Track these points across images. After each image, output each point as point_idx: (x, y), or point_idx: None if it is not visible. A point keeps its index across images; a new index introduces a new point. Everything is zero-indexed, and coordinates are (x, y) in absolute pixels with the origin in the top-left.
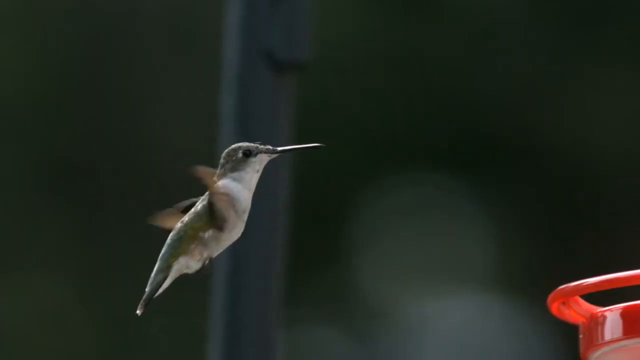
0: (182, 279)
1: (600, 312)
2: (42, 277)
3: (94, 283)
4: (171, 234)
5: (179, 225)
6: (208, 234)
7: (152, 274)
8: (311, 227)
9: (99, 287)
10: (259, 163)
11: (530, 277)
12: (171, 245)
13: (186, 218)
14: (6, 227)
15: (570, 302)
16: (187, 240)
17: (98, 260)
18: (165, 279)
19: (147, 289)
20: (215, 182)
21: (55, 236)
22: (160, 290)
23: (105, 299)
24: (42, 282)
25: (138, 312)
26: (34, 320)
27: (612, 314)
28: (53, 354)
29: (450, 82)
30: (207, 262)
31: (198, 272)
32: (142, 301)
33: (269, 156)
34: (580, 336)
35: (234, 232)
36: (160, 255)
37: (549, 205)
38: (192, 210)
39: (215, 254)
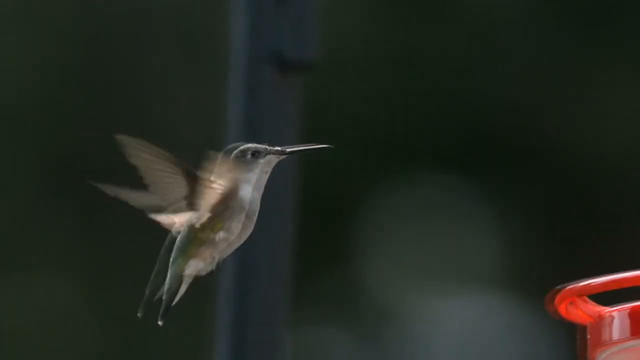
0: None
1: (607, 312)
2: (43, 277)
3: (96, 283)
4: (179, 236)
5: (186, 226)
6: (219, 235)
7: (167, 282)
8: (318, 227)
9: (101, 287)
10: (267, 164)
11: (532, 277)
12: (181, 249)
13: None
14: (7, 227)
15: (577, 302)
16: (197, 242)
17: (100, 260)
18: (180, 285)
19: (164, 297)
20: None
21: (56, 236)
22: (177, 298)
23: (108, 299)
24: (43, 282)
25: (159, 322)
26: (35, 321)
27: (619, 314)
28: (54, 354)
29: (450, 82)
30: (218, 263)
31: (207, 273)
32: (161, 311)
33: (278, 157)
34: (588, 336)
35: (244, 233)
36: (171, 260)
37: (549, 206)
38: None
39: (225, 255)
